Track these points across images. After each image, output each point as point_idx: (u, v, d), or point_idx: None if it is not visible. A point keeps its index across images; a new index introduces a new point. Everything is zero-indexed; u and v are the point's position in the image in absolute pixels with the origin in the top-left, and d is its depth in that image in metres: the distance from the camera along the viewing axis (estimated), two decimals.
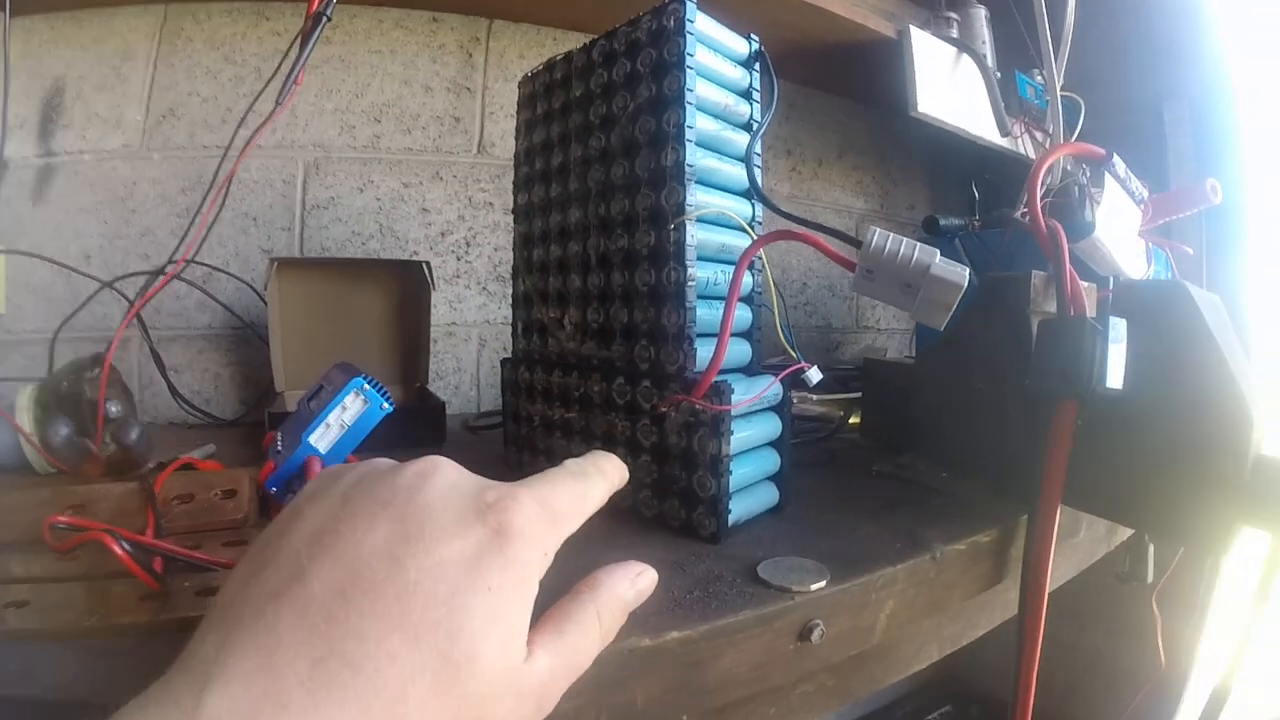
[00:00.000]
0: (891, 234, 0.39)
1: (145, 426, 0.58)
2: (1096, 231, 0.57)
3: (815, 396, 0.82)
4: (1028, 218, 0.48)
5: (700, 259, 0.45)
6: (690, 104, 0.45)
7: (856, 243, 0.41)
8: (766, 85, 0.51)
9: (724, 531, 0.43)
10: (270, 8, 0.98)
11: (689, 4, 0.45)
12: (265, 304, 0.84)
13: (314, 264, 0.88)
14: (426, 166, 1.02)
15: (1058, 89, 0.91)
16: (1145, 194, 0.64)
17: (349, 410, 0.49)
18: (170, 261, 0.83)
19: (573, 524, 0.28)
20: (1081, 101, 0.98)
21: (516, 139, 0.62)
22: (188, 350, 0.93)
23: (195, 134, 0.95)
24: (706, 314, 0.45)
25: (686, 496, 0.45)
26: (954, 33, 1.07)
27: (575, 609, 0.28)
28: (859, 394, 0.82)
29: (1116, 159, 0.62)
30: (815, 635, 0.38)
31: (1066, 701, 1.21)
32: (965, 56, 1.03)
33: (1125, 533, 0.67)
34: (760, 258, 0.49)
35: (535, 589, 0.25)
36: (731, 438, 0.42)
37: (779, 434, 0.49)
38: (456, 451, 0.73)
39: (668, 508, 0.46)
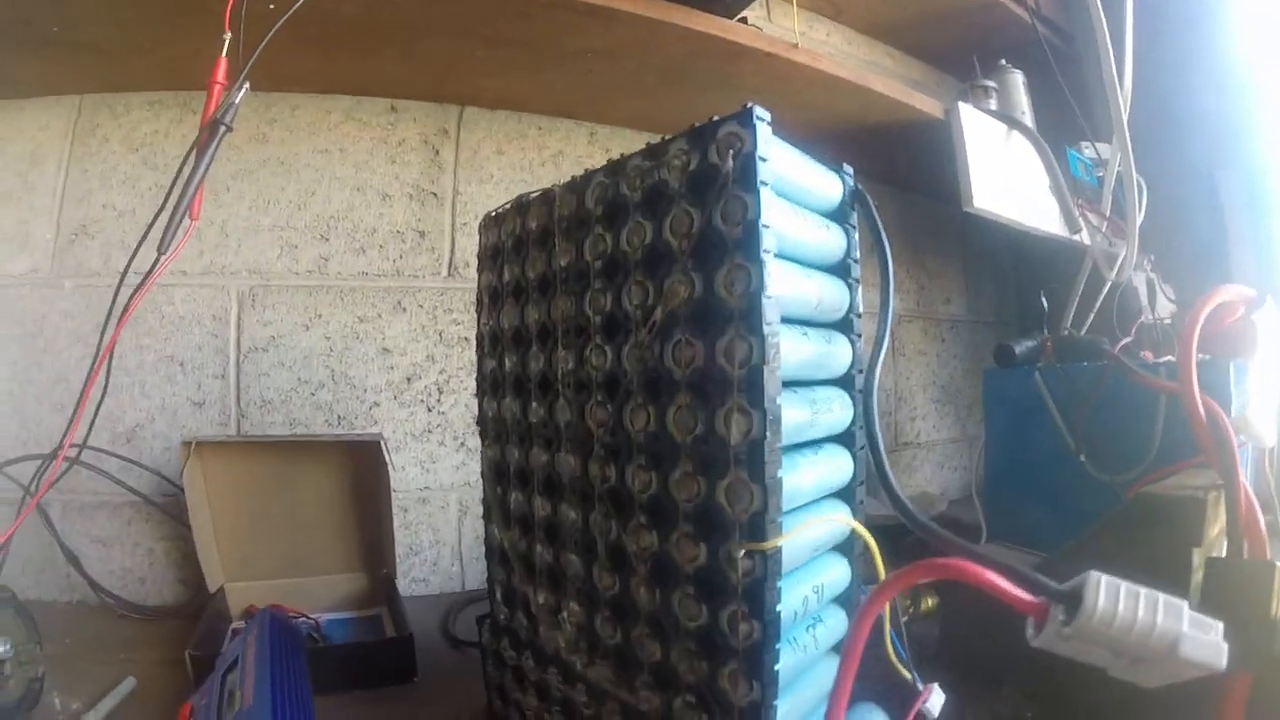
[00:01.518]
0: (1121, 584, 0.24)
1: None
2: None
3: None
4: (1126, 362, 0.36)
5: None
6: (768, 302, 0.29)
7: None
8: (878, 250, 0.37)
9: None
10: (196, 99, 0.81)
11: (759, 123, 0.29)
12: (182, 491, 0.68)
13: (240, 446, 0.72)
14: (386, 295, 0.85)
15: (1131, 166, 0.77)
16: None
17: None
18: (71, 446, 0.68)
19: None
20: (1144, 183, 0.84)
21: (478, 306, 0.46)
22: (115, 520, 0.78)
23: (110, 257, 0.80)
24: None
25: None
26: (993, 103, 0.93)
27: None
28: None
29: (1269, 299, 0.49)
30: None
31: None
32: (1015, 134, 0.89)
33: None
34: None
35: None
36: None
37: None
38: (431, 700, 0.56)
39: None
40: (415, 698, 0.58)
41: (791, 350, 0.31)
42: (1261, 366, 0.50)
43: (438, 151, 0.89)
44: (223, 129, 0.48)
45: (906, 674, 0.32)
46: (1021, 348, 0.66)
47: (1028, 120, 0.95)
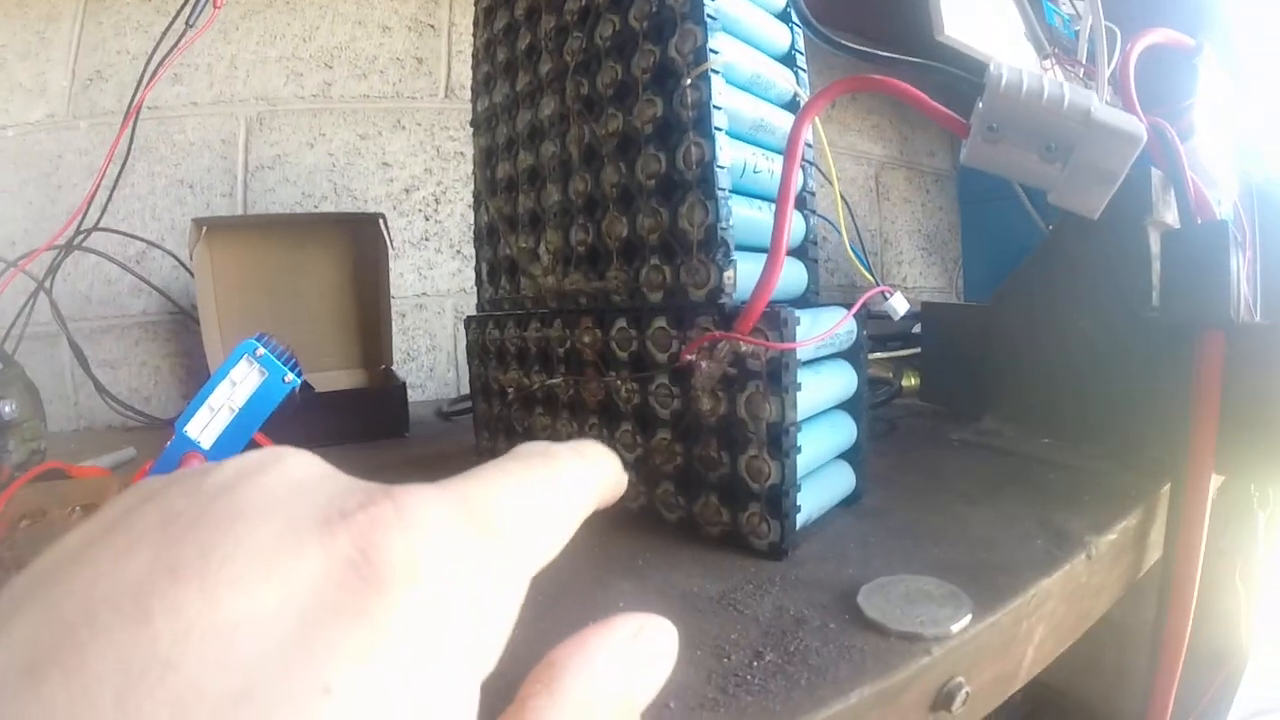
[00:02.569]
0: (1027, 69, 0.25)
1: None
2: (1195, 136, 0.46)
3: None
4: None
5: (732, 135, 0.30)
6: None
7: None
8: None
9: (791, 539, 0.28)
10: None
11: None
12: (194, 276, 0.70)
13: (249, 225, 0.74)
14: (386, 115, 0.87)
15: (1100, 15, 0.76)
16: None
17: (240, 386, 0.34)
18: (79, 231, 0.70)
19: (530, 545, 0.14)
20: (1118, 31, 0.83)
21: (475, 32, 0.47)
22: (122, 342, 0.80)
23: (124, 95, 0.81)
24: (746, 215, 0.30)
25: (730, 490, 0.30)
26: None
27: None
28: (914, 350, 0.68)
29: (1208, 48, 0.50)
30: (958, 703, 0.24)
31: (1118, 683, 1.10)
32: None
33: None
34: (822, 140, 0.34)
35: (463, 688, 0.12)
36: (799, 395, 0.28)
37: (854, 391, 0.34)
38: (422, 443, 0.59)
39: (702, 508, 0.31)
40: (407, 445, 0.60)
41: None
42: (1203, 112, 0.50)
43: None
44: None
45: (869, 276, 0.33)
46: None
47: None
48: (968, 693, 0.24)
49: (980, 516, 0.35)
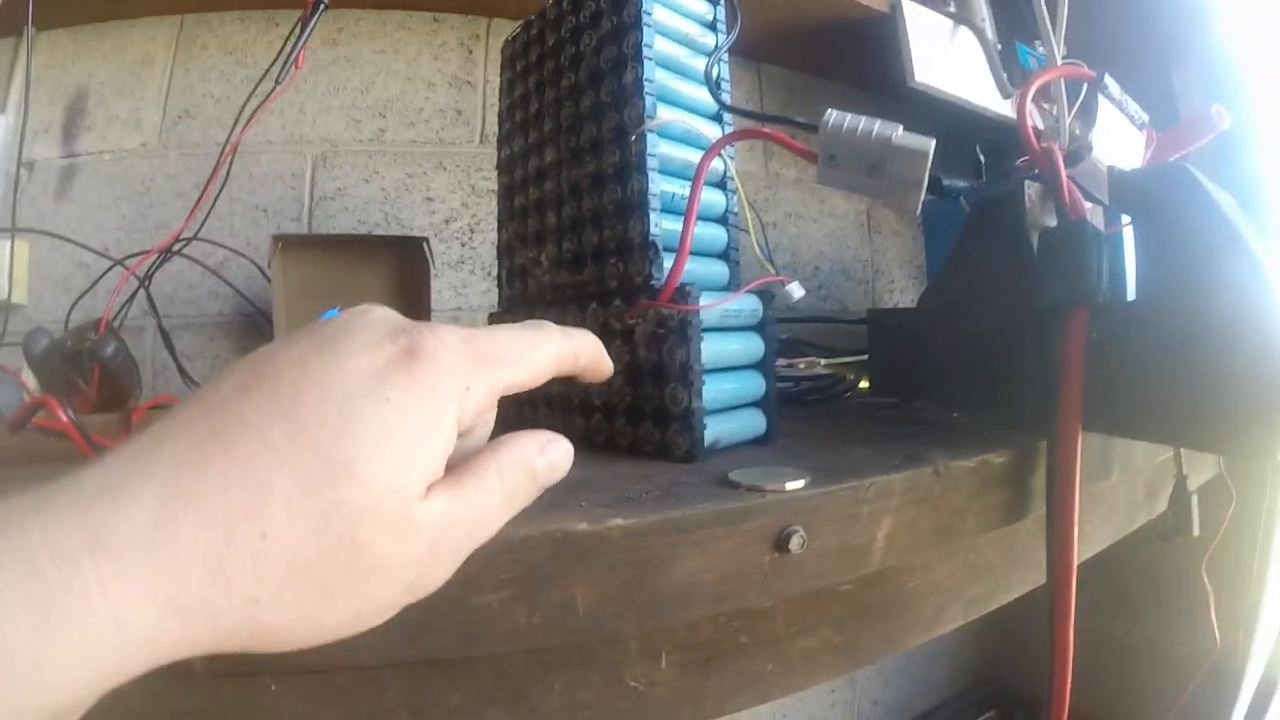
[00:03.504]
0: (849, 113, 0.38)
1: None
2: (1095, 151, 0.55)
3: (823, 361, 0.80)
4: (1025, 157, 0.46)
5: (666, 173, 0.44)
6: (648, 25, 0.44)
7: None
8: (730, 15, 0.50)
9: (699, 450, 0.41)
10: (279, 15, 1.01)
11: None
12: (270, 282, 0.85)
13: (316, 242, 0.89)
14: (430, 157, 1.02)
15: (1056, 54, 0.88)
16: (1145, 119, 0.62)
17: None
18: (179, 240, 0.85)
19: (509, 371, 0.25)
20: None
21: (500, 100, 0.61)
22: (199, 338, 0.95)
23: (209, 132, 0.98)
24: (674, 229, 0.44)
25: (660, 416, 0.43)
26: (951, 8, 1.04)
27: (473, 463, 0.25)
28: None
29: (1110, 80, 0.60)
30: (794, 543, 0.34)
31: (1118, 698, 1.15)
32: (962, 28, 1.01)
33: (1164, 499, 0.62)
34: (734, 179, 0.47)
35: (448, 425, 0.23)
36: (703, 345, 0.41)
37: (761, 356, 0.47)
38: None
39: (642, 431, 0.44)
40: None
41: None
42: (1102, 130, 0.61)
43: (471, 51, 1.06)
44: (322, 6, 0.66)
45: (770, 267, 0.46)
46: (951, 181, 0.78)
47: (986, 26, 1.05)
48: (803, 540, 0.34)
49: (862, 451, 0.44)
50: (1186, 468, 0.59)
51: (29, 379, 0.57)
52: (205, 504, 0.19)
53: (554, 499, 0.32)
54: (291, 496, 0.19)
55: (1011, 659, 1.38)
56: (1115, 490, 0.59)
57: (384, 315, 0.25)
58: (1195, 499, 0.61)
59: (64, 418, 0.33)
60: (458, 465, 0.24)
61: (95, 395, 0.56)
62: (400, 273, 0.87)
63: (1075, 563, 0.40)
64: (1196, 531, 0.60)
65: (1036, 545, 0.46)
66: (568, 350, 0.28)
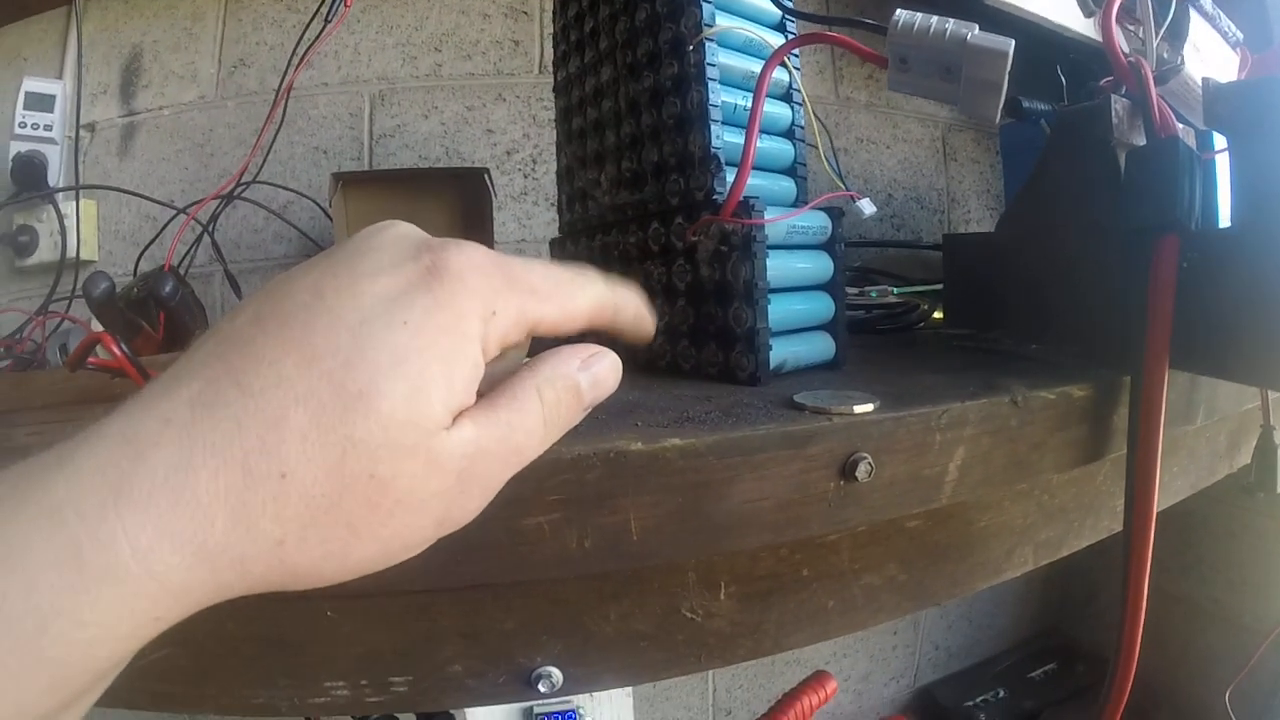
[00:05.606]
0: (920, 12, 0.35)
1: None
2: (1186, 68, 0.50)
3: (895, 290, 0.76)
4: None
5: (727, 85, 0.42)
6: None
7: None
8: None
9: (764, 372, 0.39)
10: None
11: None
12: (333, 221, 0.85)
13: (376, 178, 0.88)
14: (489, 90, 1.01)
15: None
16: (1240, 37, 0.56)
17: None
18: (239, 184, 0.86)
19: (541, 303, 0.23)
20: None
21: (554, 21, 0.59)
22: (265, 281, 0.95)
23: (265, 79, 0.98)
24: (736, 141, 0.41)
25: (724, 336, 0.41)
26: None
27: (511, 383, 0.23)
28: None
29: None
30: (861, 470, 0.32)
31: (1183, 659, 1.11)
32: None
33: (1247, 451, 0.58)
34: (801, 91, 0.44)
35: (473, 350, 0.21)
36: (768, 263, 0.38)
37: (830, 276, 0.44)
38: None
39: (706, 354, 0.42)
40: None
41: None
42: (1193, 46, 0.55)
43: None
44: None
45: (840, 183, 0.43)
46: (1031, 103, 0.73)
47: None
48: (870, 467, 0.32)
49: (934, 379, 0.41)
50: (1274, 418, 0.55)
51: (97, 328, 0.58)
52: (223, 445, 0.18)
53: (609, 419, 0.31)
54: (307, 432, 0.18)
55: (1077, 610, 1.35)
56: (1197, 437, 0.55)
57: (405, 231, 0.23)
58: None
59: (117, 351, 0.34)
60: (491, 392, 0.23)
61: (160, 336, 0.57)
62: (462, 205, 0.86)
63: (1155, 510, 0.38)
64: None
65: (1113, 491, 0.43)
66: (609, 299, 0.26)
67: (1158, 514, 0.39)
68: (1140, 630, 0.38)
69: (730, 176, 0.40)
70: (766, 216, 0.37)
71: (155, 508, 0.17)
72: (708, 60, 0.40)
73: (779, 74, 0.43)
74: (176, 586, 0.18)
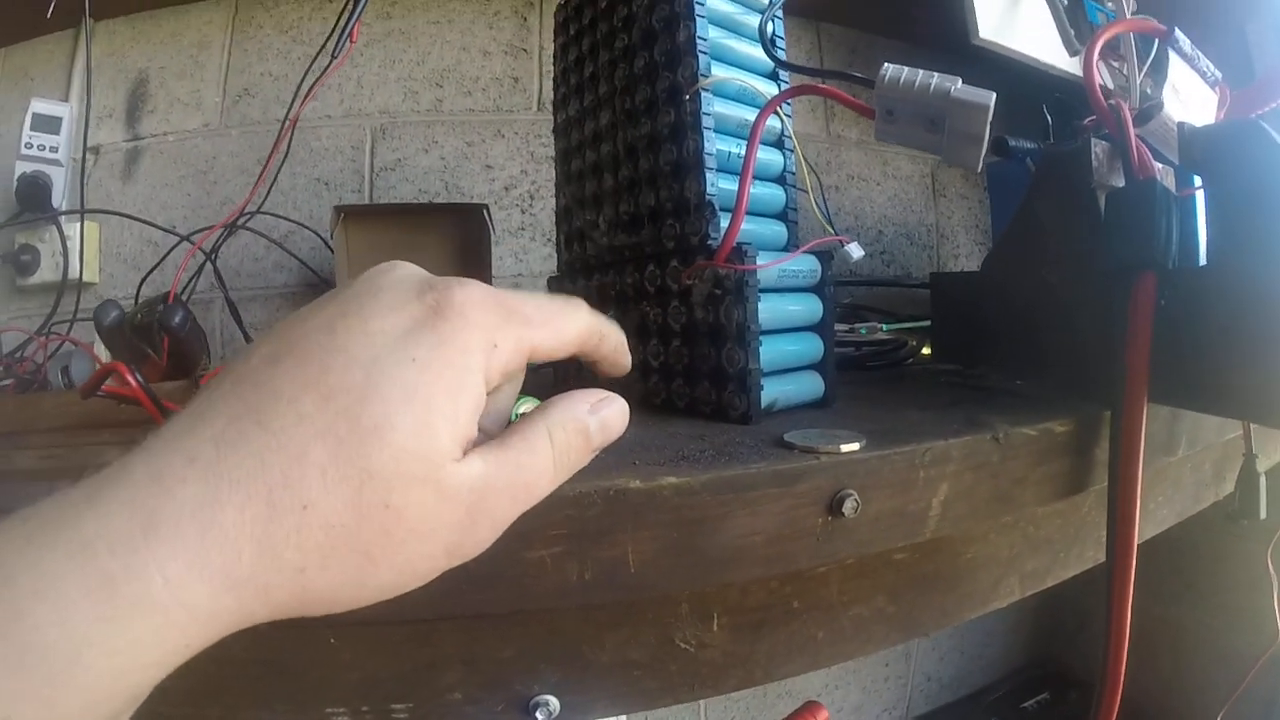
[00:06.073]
0: (906, 67, 0.37)
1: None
2: (1165, 109, 0.52)
3: (885, 326, 0.78)
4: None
5: (721, 133, 0.43)
6: None
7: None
8: None
9: (755, 411, 0.41)
10: None
11: None
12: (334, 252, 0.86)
13: (378, 211, 0.90)
14: (488, 126, 1.03)
15: (1126, 8, 0.84)
16: (1219, 76, 0.58)
17: None
18: (242, 213, 0.87)
19: (536, 331, 0.25)
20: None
21: (554, 65, 0.61)
22: (265, 309, 0.98)
23: (269, 109, 1.00)
24: (731, 188, 0.43)
25: (717, 376, 0.42)
26: None
27: (521, 425, 0.25)
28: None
29: (1181, 35, 0.57)
30: (848, 507, 0.33)
31: (1172, 685, 1.11)
32: None
33: (1232, 479, 0.59)
34: (791, 137, 0.46)
35: (476, 382, 0.23)
36: (760, 305, 0.40)
37: (820, 317, 0.46)
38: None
39: (699, 392, 0.44)
40: None
41: None
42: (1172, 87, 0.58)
43: (525, 19, 1.06)
44: None
45: (829, 228, 0.45)
46: (1017, 142, 0.75)
47: None
48: (857, 504, 0.33)
49: (920, 415, 0.43)
50: (1256, 446, 0.56)
51: (101, 352, 0.59)
52: (247, 480, 0.19)
53: (608, 457, 0.32)
54: (326, 466, 0.20)
55: (1068, 639, 1.35)
56: (1181, 467, 0.57)
57: (410, 271, 0.25)
58: (1264, 480, 0.58)
59: (133, 382, 0.35)
60: (503, 432, 0.24)
61: (165, 363, 0.58)
62: (461, 240, 0.87)
63: (1136, 540, 0.38)
64: (1264, 514, 0.57)
65: (1097, 521, 0.44)
66: (595, 328, 0.28)
67: (1147, 541, 0.40)
68: (1124, 660, 0.39)
69: (724, 222, 0.41)
70: (759, 262, 0.39)
71: (184, 540, 0.18)
72: (703, 109, 0.42)
73: (772, 122, 0.45)
74: (204, 614, 0.19)
